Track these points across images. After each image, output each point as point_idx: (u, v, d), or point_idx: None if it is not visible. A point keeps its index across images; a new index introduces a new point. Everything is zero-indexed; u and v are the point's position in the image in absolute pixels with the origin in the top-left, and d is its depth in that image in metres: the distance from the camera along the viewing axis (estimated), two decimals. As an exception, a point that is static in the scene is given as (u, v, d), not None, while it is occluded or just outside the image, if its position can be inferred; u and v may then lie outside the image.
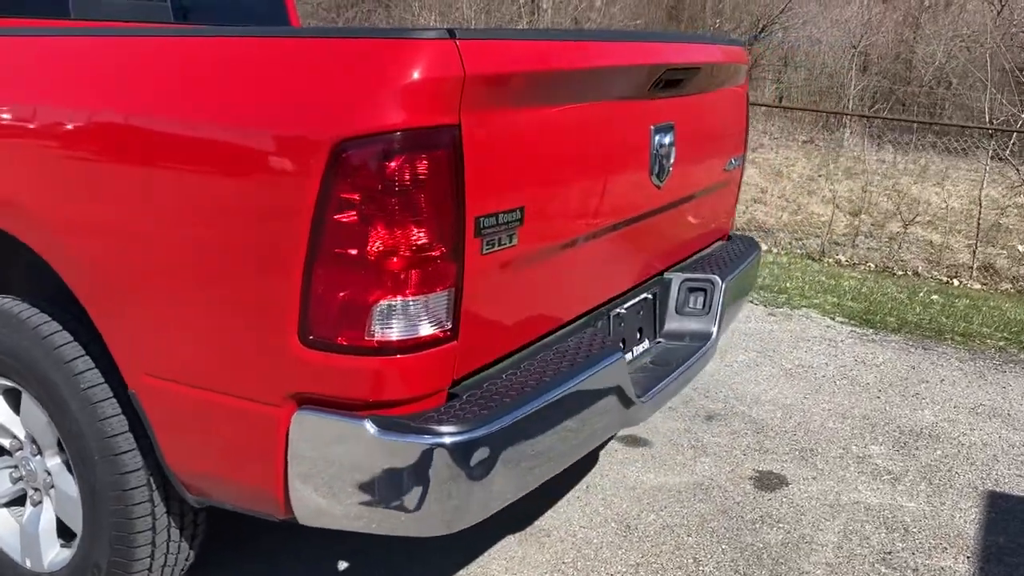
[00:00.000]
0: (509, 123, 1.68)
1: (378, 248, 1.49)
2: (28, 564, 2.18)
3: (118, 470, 1.89)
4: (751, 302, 5.36)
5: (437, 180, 1.51)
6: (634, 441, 3.39)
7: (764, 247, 7.10)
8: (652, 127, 2.19)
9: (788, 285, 5.90)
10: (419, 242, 1.51)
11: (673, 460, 3.26)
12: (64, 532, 2.14)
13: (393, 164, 1.46)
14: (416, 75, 1.46)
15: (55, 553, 2.15)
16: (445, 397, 1.67)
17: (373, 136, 1.45)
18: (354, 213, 1.48)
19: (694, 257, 2.84)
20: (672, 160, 2.31)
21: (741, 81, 2.96)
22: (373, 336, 1.54)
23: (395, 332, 1.54)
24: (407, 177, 1.48)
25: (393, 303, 1.52)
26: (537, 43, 1.78)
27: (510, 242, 1.71)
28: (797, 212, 8.62)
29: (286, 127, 1.53)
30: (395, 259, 1.51)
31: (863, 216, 8.33)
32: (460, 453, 1.56)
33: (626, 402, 2.05)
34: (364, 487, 1.60)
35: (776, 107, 15.82)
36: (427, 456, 1.54)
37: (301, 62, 1.55)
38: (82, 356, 1.89)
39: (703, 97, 2.56)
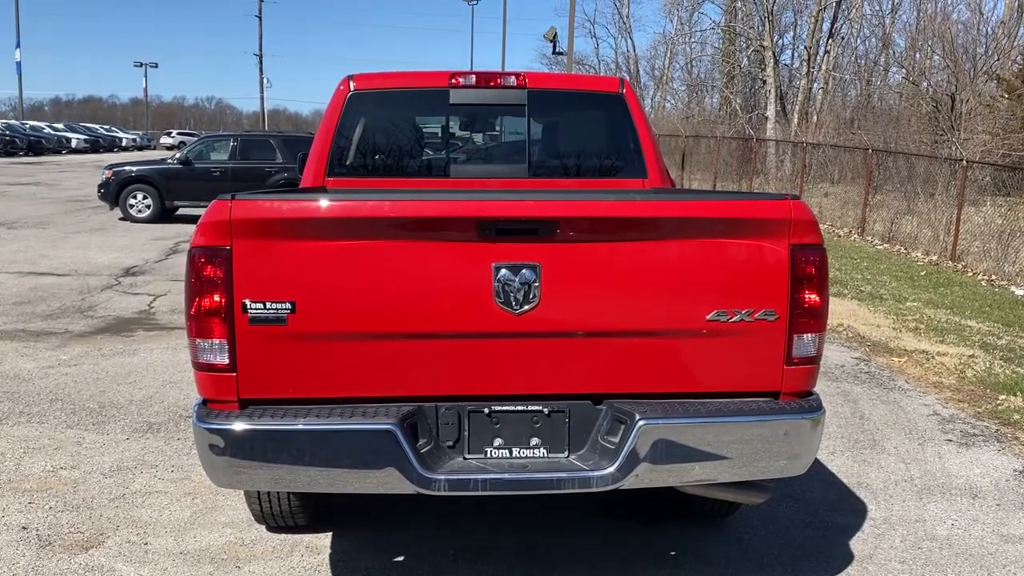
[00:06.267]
0: (274, 247, 2.71)
1: (193, 307, 2.75)
2: None
3: None
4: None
5: (215, 275, 2.71)
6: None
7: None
8: (493, 264, 2.75)
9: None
10: (207, 307, 2.73)
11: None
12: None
13: (199, 261, 2.72)
14: (209, 218, 2.70)
15: None
16: (237, 406, 2.79)
17: (192, 248, 2.74)
18: (185, 287, 2.77)
19: (679, 400, 2.87)
20: (537, 294, 2.76)
21: (770, 234, 2.82)
22: (197, 357, 2.79)
23: (200, 357, 2.78)
24: (202, 270, 2.72)
25: (197, 341, 2.76)
26: (296, 201, 2.80)
27: (280, 322, 2.73)
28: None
29: None
30: (198, 315, 2.74)
31: None
32: (217, 434, 2.73)
33: (403, 468, 2.73)
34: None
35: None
36: (201, 433, 2.77)
37: None
38: None
39: (609, 246, 2.79)
